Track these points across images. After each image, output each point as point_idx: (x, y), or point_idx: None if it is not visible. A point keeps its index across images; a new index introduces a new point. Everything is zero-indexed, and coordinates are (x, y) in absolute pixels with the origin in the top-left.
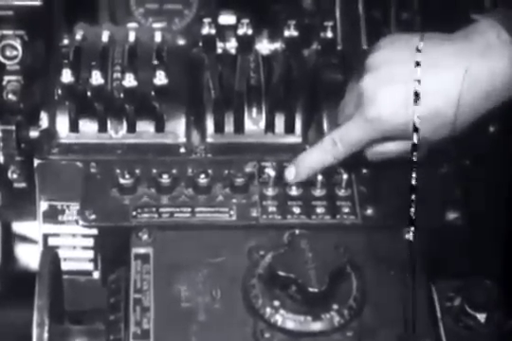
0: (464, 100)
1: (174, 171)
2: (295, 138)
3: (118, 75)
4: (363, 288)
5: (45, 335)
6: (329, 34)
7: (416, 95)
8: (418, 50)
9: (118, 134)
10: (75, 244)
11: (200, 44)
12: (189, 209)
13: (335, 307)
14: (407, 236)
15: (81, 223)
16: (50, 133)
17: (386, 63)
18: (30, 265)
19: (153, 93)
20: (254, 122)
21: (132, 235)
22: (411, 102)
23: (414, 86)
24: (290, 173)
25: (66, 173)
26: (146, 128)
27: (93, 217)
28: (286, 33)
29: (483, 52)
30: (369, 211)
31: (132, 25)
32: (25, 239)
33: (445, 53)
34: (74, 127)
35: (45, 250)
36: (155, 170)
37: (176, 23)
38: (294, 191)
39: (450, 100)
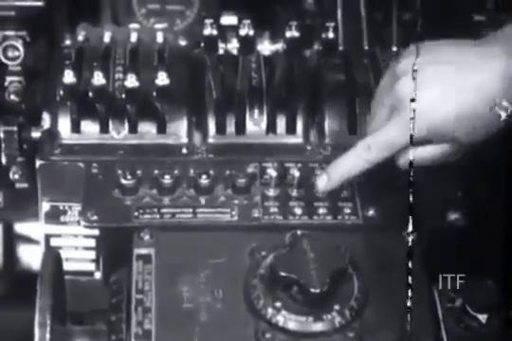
0: (496, 97)
1: (176, 172)
2: (296, 139)
3: (120, 75)
4: (364, 289)
5: (47, 336)
6: (330, 35)
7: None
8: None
9: (119, 134)
10: (77, 245)
11: (202, 44)
12: (190, 210)
13: (336, 307)
14: (408, 237)
15: (82, 223)
16: (52, 133)
17: (419, 68)
18: (32, 266)
19: (154, 93)
20: (256, 123)
21: (134, 235)
22: (448, 103)
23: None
24: (322, 181)
25: (68, 174)
26: (148, 128)
27: (95, 217)
28: (288, 34)
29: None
30: (370, 212)
31: (134, 25)
32: (27, 239)
33: (475, 55)
34: (76, 128)
35: (47, 251)
36: (156, 171)
37: (178, 23)
38: (295, 192)
39: (483, 100)
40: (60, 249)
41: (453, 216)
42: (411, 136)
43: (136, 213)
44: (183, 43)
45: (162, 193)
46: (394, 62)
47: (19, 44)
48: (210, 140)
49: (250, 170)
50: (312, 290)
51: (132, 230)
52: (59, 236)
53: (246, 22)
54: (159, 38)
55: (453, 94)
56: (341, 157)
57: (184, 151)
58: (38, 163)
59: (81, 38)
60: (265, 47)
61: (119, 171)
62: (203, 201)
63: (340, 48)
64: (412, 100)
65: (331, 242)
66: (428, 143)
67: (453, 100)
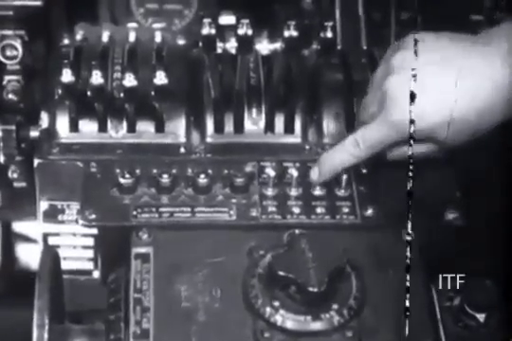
0: (487, 104)
1: (174, 171)
2: (294, 138)
3: (119, 75)
4: (363, 288)
5: (45, 335)
6: (329, 34)
7: (412, 96)
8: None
9: (118, 133)
10: (75, 244)
11: (200, 44)
12: (189, 209)
13: (334, 307)
14: (406, 236)
15: (81, 222)
16: (50, 132)
17: (410, 64)
18: (31, 265)
19: (153, 93)
20: (254, 122)
21: (132, 234)
22: (443, 108)
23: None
24: (314, 173)
25: (66, 173)
26: (146, 128)
27: (93, 216)
28: (286, 33)
29: (506, 55)
30: (368, 211)
31: (132, 25)
32: (25, 238)
33: (470, 58)
34: (74, 127)
35: (46, 249)
36: (155, 170)
37: (176, 23)
38: (294, 191)
39: (473, 105)
40: (58, 248)
41: (452, 215)
42: (411, 135)
43: (134, 212)
44: (181, 42)
45: (160, 192)
46: (391, 53)
47: (17, 43)
48: (209, 139)
49: (249, 169)
50: (310, 289)
51: (130, 229)
52: (57, 235)
53: (245, 21)
54: (158, 37)
55: (449, 99)
56: (331, 151)
57: (182, 150)
58: (36, 162)
59: (79, 37)
60: (264, 47)
61: (118, 170)
62: (201, 200)
63: (339, 48)
64: (411, 98)
65: (329, 242)
66: (414, 142)
67: (449, 106)
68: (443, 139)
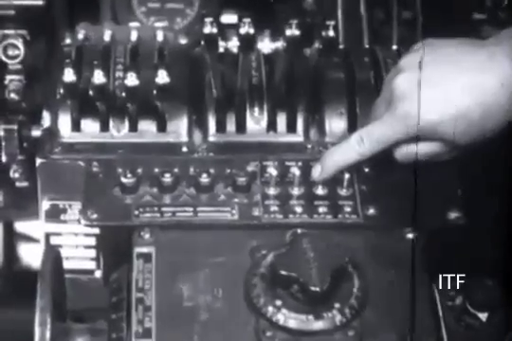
0: (493, 103)
1: (176, 171)
2: (297, 137)
3: (121, 74)
4: (365, 287)
5: (48, 334)
6: (331, 33)
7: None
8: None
9: (120, 133)
10: (77, 243)
11: (202, 43)
12: (191, 209)
13: (336, 306)
14: (408, 235)
15: (83, 222)
16: (52, 132)
17: (417, 63)
18: (33, 264)
19: (155, 92)
20: (256, 121)
21: (134, 234)
22: (441, 103)
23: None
24: (316, 171)
25: (68, 172)
26: (148, 127)
27: (95, 216)
28: (288, 32)
29: None
30: (371, 211)
31: (134, 24)
32: (27, 238)
33: (477, 57)
34: (76, 126)
35: (48, 249)
36: (156, 170)
37: (178, 22)
38: (296, 191)
39: (478, 103)
40: (60, 248)
41: (454, 215)
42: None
43: (136, 212)
44: (183, 41)
45: (162, 192)
46: (403, 55)
47: (19, 42)
48: (211, 139)
49: (251, 168)
50: (312, 288)
51: (132, 229)
52: (59, 234)
53: (247, 20)
54: (159, 36)
55: (454, 96)
56: (335, 148)
57: (184, 149)
58: (38, 161)
59: (81, 36)
60: (266, 46)
61: (120, 170)
62: (203, 199)
63: (341, 47)
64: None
65: (331, 241)
66: (421, 140)
67: (453, 102)
68: (450, 137)
